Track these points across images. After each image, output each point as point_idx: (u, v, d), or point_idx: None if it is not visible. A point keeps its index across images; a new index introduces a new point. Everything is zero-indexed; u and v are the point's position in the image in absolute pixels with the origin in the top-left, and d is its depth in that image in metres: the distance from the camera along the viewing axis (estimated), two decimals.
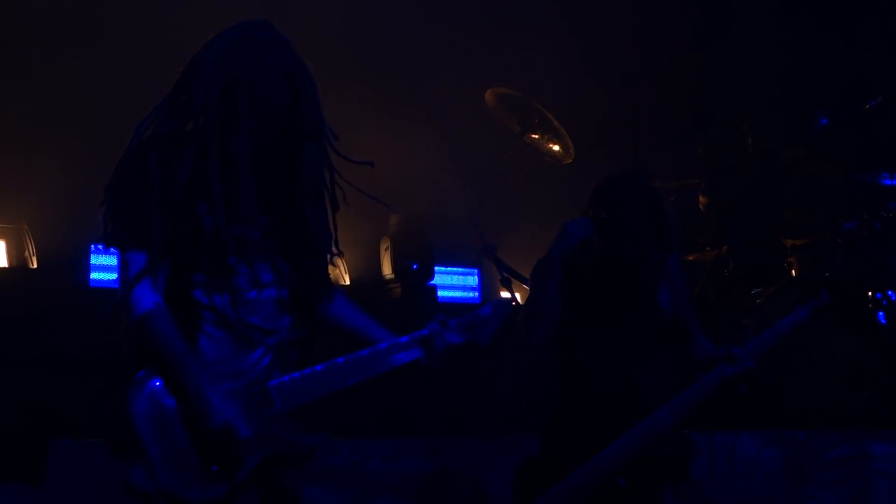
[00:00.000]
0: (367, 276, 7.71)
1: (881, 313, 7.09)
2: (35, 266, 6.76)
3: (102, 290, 6.45)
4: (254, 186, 3.39)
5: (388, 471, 5.59)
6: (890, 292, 7.12)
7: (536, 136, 8.22)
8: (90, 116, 7.25)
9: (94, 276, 6.68)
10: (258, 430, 3.31)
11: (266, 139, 3.41)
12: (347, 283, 7.59)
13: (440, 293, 7.68)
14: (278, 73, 3.39)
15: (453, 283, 7.91)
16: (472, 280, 7.97)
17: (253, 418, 3.32)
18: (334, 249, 3.58)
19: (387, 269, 7.73)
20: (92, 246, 6.67)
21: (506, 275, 7.42)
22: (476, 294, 7.95)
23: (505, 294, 7.54)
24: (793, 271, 7.52)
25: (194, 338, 3.36)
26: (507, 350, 6.22)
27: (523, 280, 7.46)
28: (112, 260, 6.54)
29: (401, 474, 5.60)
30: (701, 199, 8.05)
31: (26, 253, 6.77)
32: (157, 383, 3.29)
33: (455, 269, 7.93)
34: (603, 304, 4.50)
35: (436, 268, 7.68)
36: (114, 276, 6.20)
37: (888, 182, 7.46)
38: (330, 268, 3.61)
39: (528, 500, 4.32)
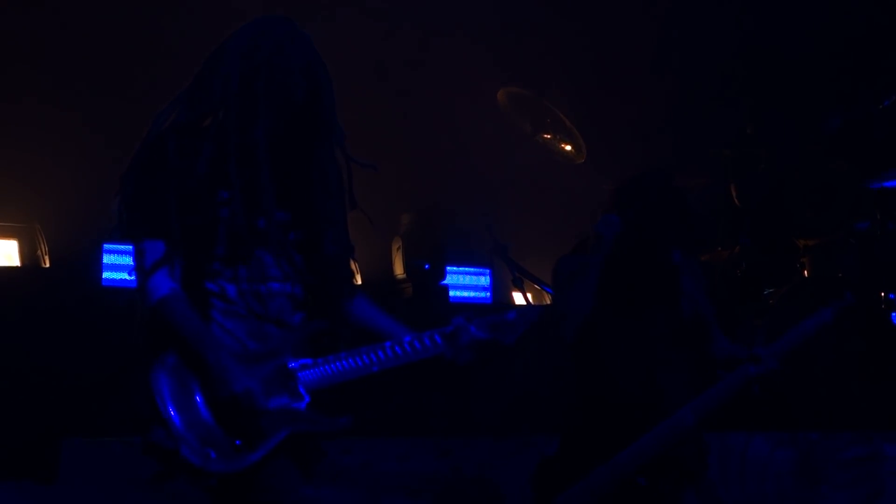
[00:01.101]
0: (378, 276, 7.69)
1: (894, 314, 7.07)
2: (48, 265, 6.77)
3: (115, 289, 6.45)
4: (271, 177, 3.40)
5: (400, 471, 5.58)
6: None
7: (549, 136, 8.20)
8: (104, 116, 7.26)
9: (106, 275, 6.68)
10: (280, 406, 3.33)
11: (284, 131, 3.43)
12: (359, 283, 7.56)
13: (452, 293, 7.65)
14: (297, 65, 3.41)
15: (465, 283, 7.88)
16: (485, 280, 7.93)
17: (274, 394, 3.34)
18: (348, 246, 3.59)
19: (398, 269, 7.72)
20: (104, 245, 6.68)
21: (518, 275, 7.40)
22: (488, 294, 7.91)
23: (516, 294, 7.52)
24: (805, 271, 7.50)
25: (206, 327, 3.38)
26: (520, 349, 6.20)
27: (536, 280, 7.44)
28: (125, 259, 6.55)
29: (413, 474, 5.60)
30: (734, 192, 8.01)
31: (39, 252, 6.78)
32: (178, 363, 3.31)
33: (467, 269, 7.90)
34: (625, 302, 4.47)
35: (447, 268, 7.66)
36: (126, 275, 6.27)
37: None
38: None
39: (548, 499, 4.31)
